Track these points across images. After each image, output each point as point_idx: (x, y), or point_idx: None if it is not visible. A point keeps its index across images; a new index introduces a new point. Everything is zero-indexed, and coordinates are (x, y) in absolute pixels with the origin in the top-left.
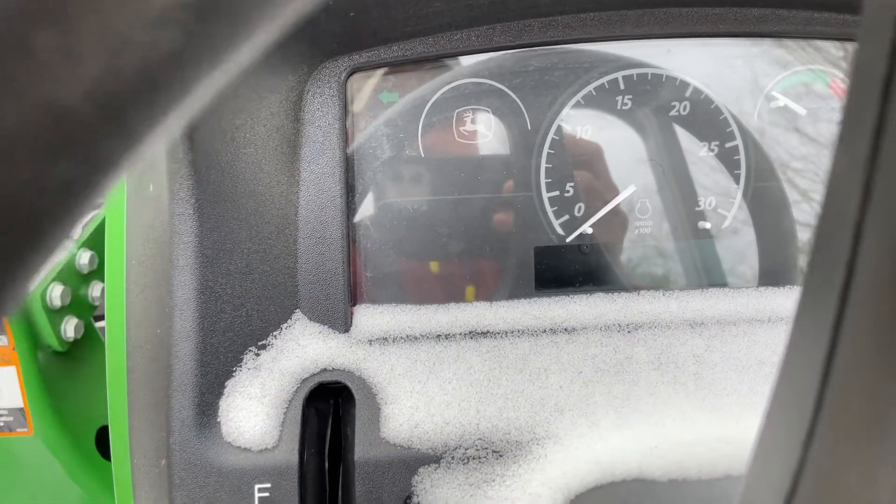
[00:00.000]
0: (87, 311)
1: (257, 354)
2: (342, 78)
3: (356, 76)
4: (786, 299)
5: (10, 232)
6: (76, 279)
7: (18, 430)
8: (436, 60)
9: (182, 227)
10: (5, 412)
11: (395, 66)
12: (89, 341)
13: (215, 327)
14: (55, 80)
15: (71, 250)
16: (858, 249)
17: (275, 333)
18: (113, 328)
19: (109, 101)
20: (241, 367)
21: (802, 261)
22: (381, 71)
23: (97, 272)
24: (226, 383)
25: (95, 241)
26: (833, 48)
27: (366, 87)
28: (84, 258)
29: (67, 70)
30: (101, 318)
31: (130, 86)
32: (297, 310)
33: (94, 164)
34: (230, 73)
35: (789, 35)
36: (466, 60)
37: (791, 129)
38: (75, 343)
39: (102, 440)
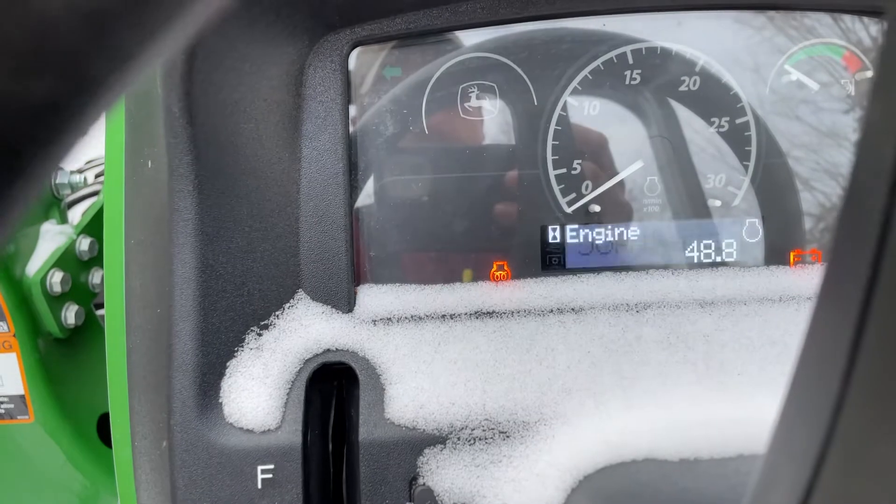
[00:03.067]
0: (88, 298)
1: (259, 334)
2: (344, 51)
3: (359, 50)
4: (796, 278)
5: None
6: (76, 266)
7: (19, 417)
8: (440, 34)
9: (181, 204)
10: (6, 399)
11: (399, 40)
12: (90, 328)
13: (216, 306)
14: None
15: (70, 236)
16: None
17: (277, 313)
18: (112, 308)
19: (95, 13)
20: (242, 347)
21: (813, 237)
22: (384, 45)
23: (97, 259)
24: (227, 364)
25: (95, 228)
26: (846, 21)
27: (368, 62)
28: (84, 245)
29: None
30: (102, 305)
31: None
32: (300, 289)
33: (81, 83)
34: None
35: (802, 7)
36: (471, 34)
37: (803, 103)
38: (76, 330)
39: (103, 427)
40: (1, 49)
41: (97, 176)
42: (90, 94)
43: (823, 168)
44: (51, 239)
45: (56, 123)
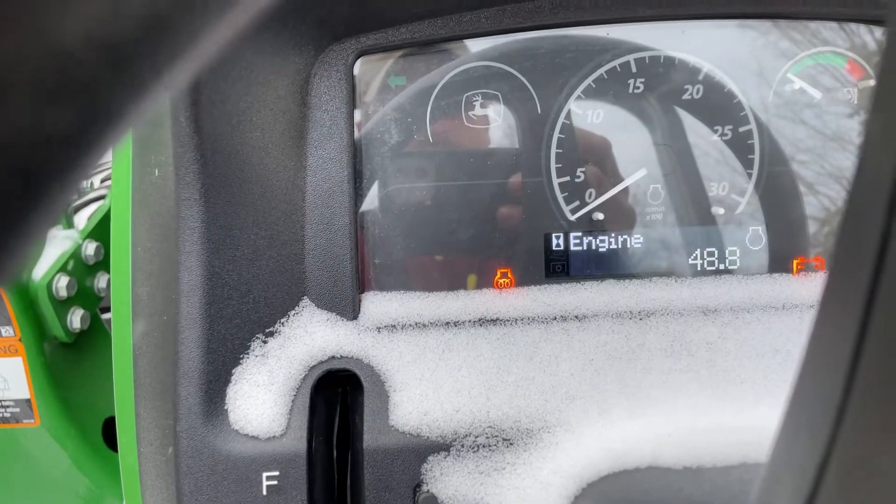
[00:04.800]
0: (93, 303)
1: (265, 342)
2: (349, 61)
3: (364, 59)
4: (799, 286)
5: (8, 183)
6: (82, 270)
7: (25, 421)
8: (444, 43)
9: (188, 212)
10: (12, 403)
11: (404, 49)
12: (95, 332)
13: (222, 314)
14: (55, 22)
15: (76, 241)
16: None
17: (282, 320)
18: (119, 315)
19: (112, 45)
20: (248, 354)
21: (816, 245)
22: (388, 54)
23: (103, 263)
24: (233, 370)
25: (101, 232)
26: (850, 30)
27: (373, 71)
28: (90, 249)
29: (67, 10)
30: (107, 309)
31: (134, 30)
32: (305, 297)
33: (97, 113)
34: (239, 21)
35: (805, 17)
36: (476, 43)
37: (806, 112)
38: (81, 334)
39: (109, 431)
40: (20, 81)
41: (103, 181)
42: (106, 124)
43: (827, 173)
44: (56, 243)
45: (72, 153)
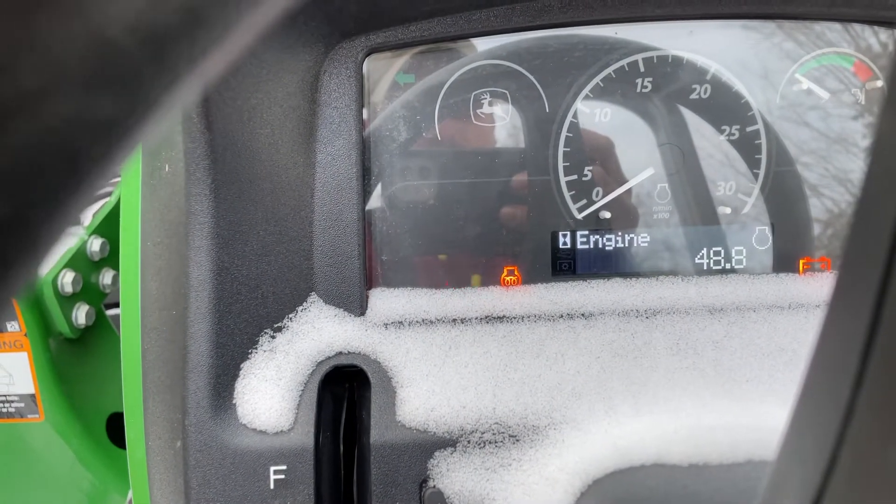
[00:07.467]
0: (98, 299)
1: (273, 337)
2: (359, 58)
3: (373, 57)
4: (805, 285)
5: (54, 165)
6: (87, 266)
7: (29, 416)
8: (453, 41)
9: (198, 207)
10: (16, 398)
11: (413, 47)
12: (100, 329)
13: (231, 309)
14: (101, 11)
15: (82, 237)
16: None
17: (290, 316)
18: (128, 309)
19: (153, 35)
20: (256, 349)
21: (822, 244)
22: (398, 52)
23: (108, 259)
24: (241, 365)
25: (106, 228)
26: (857, 31)
27: (382, 69)
28: (95, 245)
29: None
30: (112, 305)
31: (173, 21)
32: (313, 292)
33: (136, 102)
34: (270, 13)
35: (813, 17)
36: (484, 42)
37: (814, 112)
38: (86, 330)
39: (113, 427)
40: (69, 68)
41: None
42: (144, 112)
43: (833, 175)
44: (62, 239)
45: (112, 140)
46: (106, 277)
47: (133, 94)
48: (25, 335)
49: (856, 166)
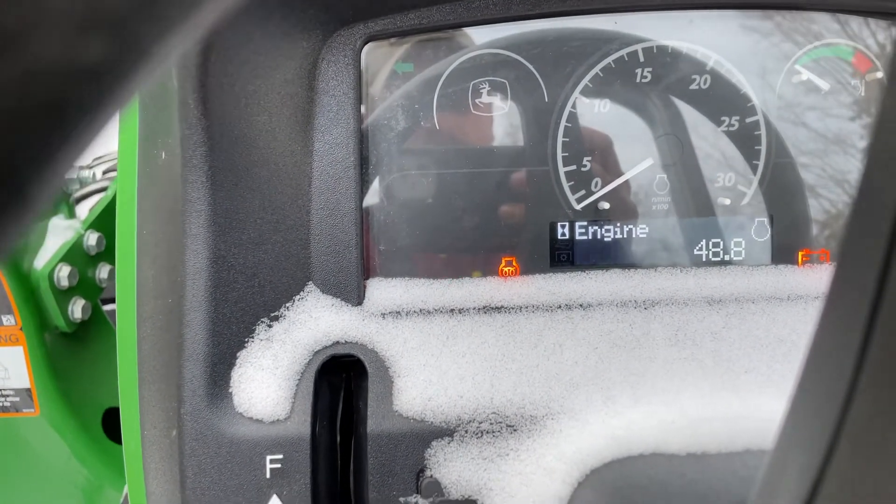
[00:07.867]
0: (95, 293)
1: (269, 326)
2: (357, 46)
3: (371, 45)
4: (804, 277)
5: (38, 114)
6: (84, 260)
7: (25, 410)
8: (452, 30)
9: (194, 194)
10: (12, 392)
11: (411, 35)
12: (96, 323)
13: (227, 297)
14: None
15: (78, 231)
16: None
17: (287, 305)
18: (123, 298)
19: None
20: (253, 338)
21: (822, 237)
22: (396, 40)
23: (104, 254)
24: (237, 354)
25: (103, 223)
26: (857, 22)
27: (381, 57)
28: (91, 240)
29: None
30: (109, 300)
31: None
32: (310, 282)
33: (125, 48)
34: None
35: (814, 7)
36: (483, 31)
37: (813, 104)
38: (82, 325)
39: (108, 422)
40: (51, 13)
41: (105, 172)
42: (134, 59)
43: (833, 168)
44: (59, 233)
45: (99, 88)
46: (102, 272)
47: (120, 39)
48: (21, 329)
49: (857, 161)
